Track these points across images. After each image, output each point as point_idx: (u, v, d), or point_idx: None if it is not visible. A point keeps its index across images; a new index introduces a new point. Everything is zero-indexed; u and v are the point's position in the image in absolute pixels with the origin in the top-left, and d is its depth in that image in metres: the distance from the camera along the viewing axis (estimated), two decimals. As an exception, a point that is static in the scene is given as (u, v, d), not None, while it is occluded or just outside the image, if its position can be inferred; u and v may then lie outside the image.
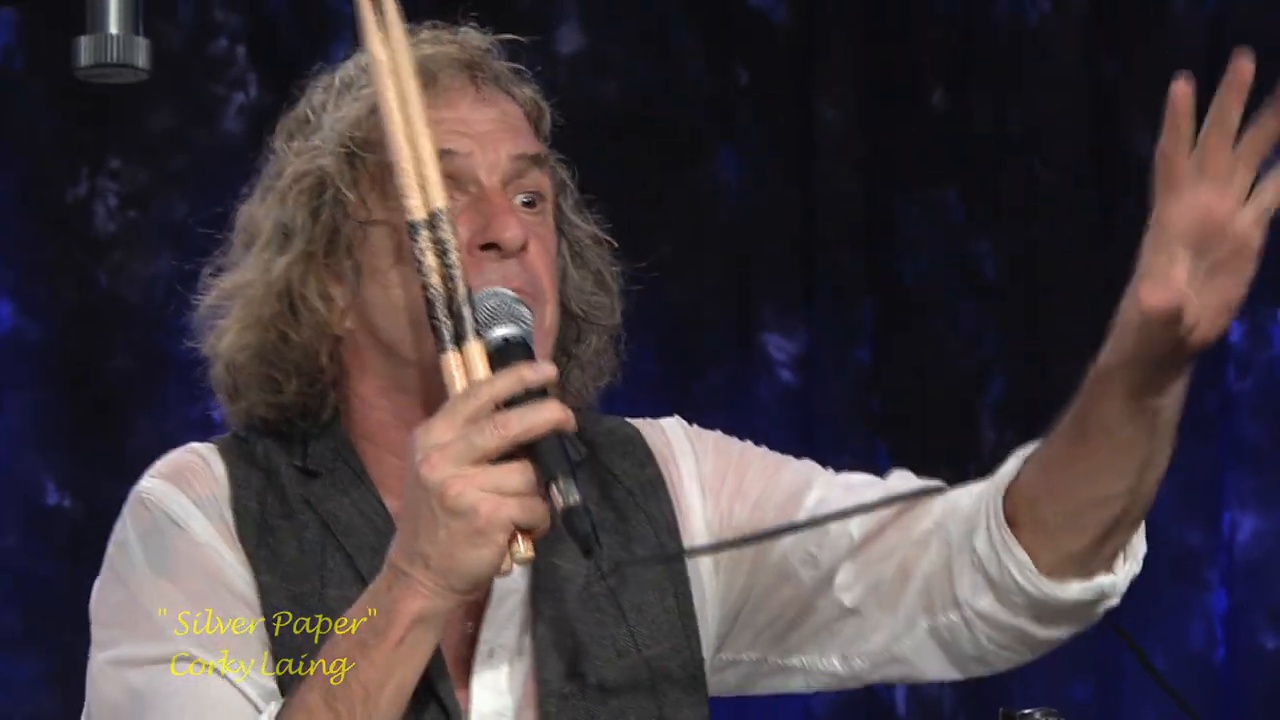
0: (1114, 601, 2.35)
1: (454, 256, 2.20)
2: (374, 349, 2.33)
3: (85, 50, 1.95)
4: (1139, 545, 2.34)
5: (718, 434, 2.49)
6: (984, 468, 4.66)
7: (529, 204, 2.33)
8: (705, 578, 2.42)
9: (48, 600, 4.21)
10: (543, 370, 2.16)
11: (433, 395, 2.27)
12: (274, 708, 2.21)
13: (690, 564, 2.40)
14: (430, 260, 2.21)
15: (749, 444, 2.50)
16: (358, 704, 2.17)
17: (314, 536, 2.31)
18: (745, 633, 2.44)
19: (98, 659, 2.31)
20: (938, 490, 2.34)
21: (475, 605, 2.32)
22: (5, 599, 4.18)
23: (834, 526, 2.36)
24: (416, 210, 2.22)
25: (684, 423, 2.50)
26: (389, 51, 2.28)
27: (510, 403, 2.13)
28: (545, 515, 2.13)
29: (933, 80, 4.51)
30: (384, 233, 2.31)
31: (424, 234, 2.21)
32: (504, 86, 2.36)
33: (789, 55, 4.50)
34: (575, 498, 2.12)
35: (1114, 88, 4.43)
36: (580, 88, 4.26)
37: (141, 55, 1.96)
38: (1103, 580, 2.31)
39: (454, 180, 2.29)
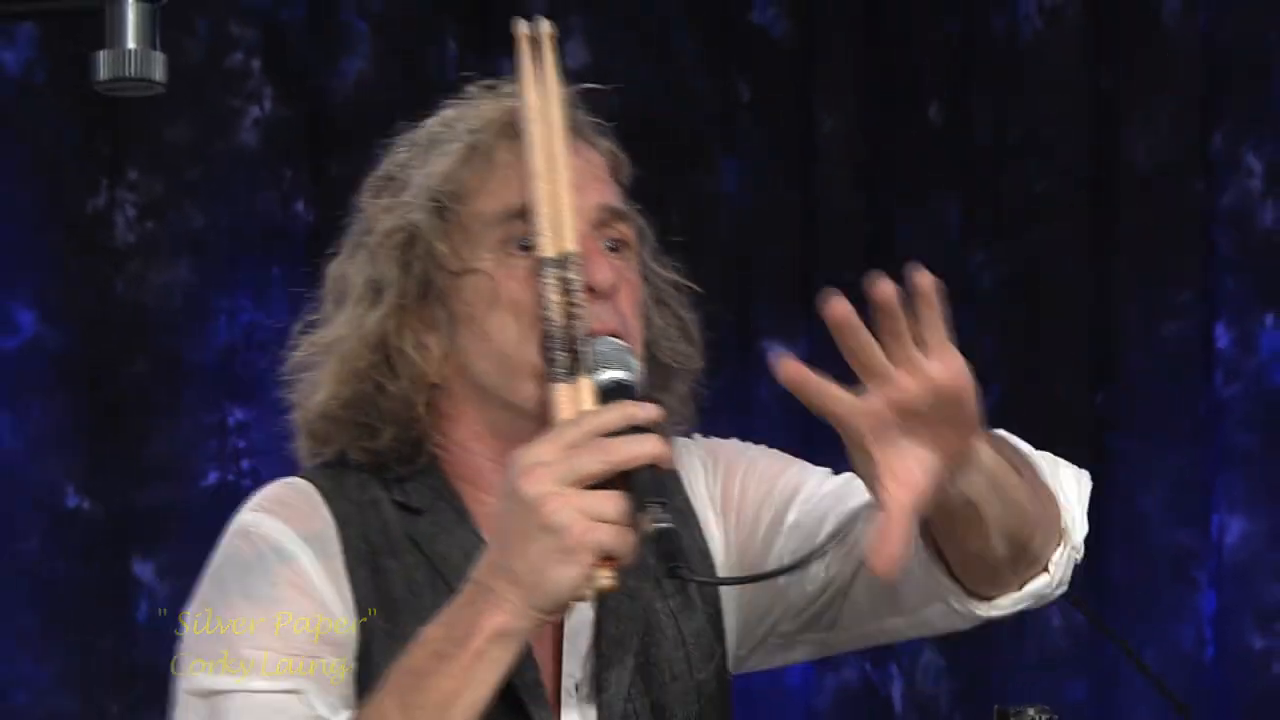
0: (1061, 589, 2.34)
1: (579, 297, 2.22)
2: (470, 395, 2.32)
3: (104, 64, 1.95)
4: (1073, 533, 2.33)
5: (731, 447, 2.49)
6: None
7: (614, 249, 2.33)
8: (725, 596, 2.42)
9: (66, 601, 4.21)
10: (648, 410, 2.17)
11: (529, 438, 2.25)
12: (348, 714, 2.21)
13: (719, 589, 2.41)
14: (555, 297, 2.22)
15: (758, 453, 2.49)
16: (432, 712, 2.15)
17: (423, 578, 2.29)
18: (754, 634, 2.44)
19: (181, 688, 2.29)
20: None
21: (554, 636, 2.32)
22: (24, 600, 4.18)
23: (812, 536, 2.36)
24: (548, 249, 2.24)
25: (701, 441, 2.49)
26: (542, 98, 2.31)
27: (613, 435, 2.15)
28: (632, 545, 2.13)
29: (931, 91, 4.51)
30: (478, 280, 2.30)
31: (552, 272, 2.23)
32: (587, 137, 2.37)
33: (790, 65, 4.50)
34: (665, 522, 2.13)
35: (1110, 98, 4.43)
36: (586, 100, 4.25)
37: (159, 69, 1.96)
38: (1037, 584, 2.31)
39: None
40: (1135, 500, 4.33)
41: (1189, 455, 4.32)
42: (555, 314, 2.22)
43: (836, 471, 2.40)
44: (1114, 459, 4.37)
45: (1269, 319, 4.30)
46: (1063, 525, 2.34)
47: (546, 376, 2.22)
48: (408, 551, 2.30)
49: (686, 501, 2.41)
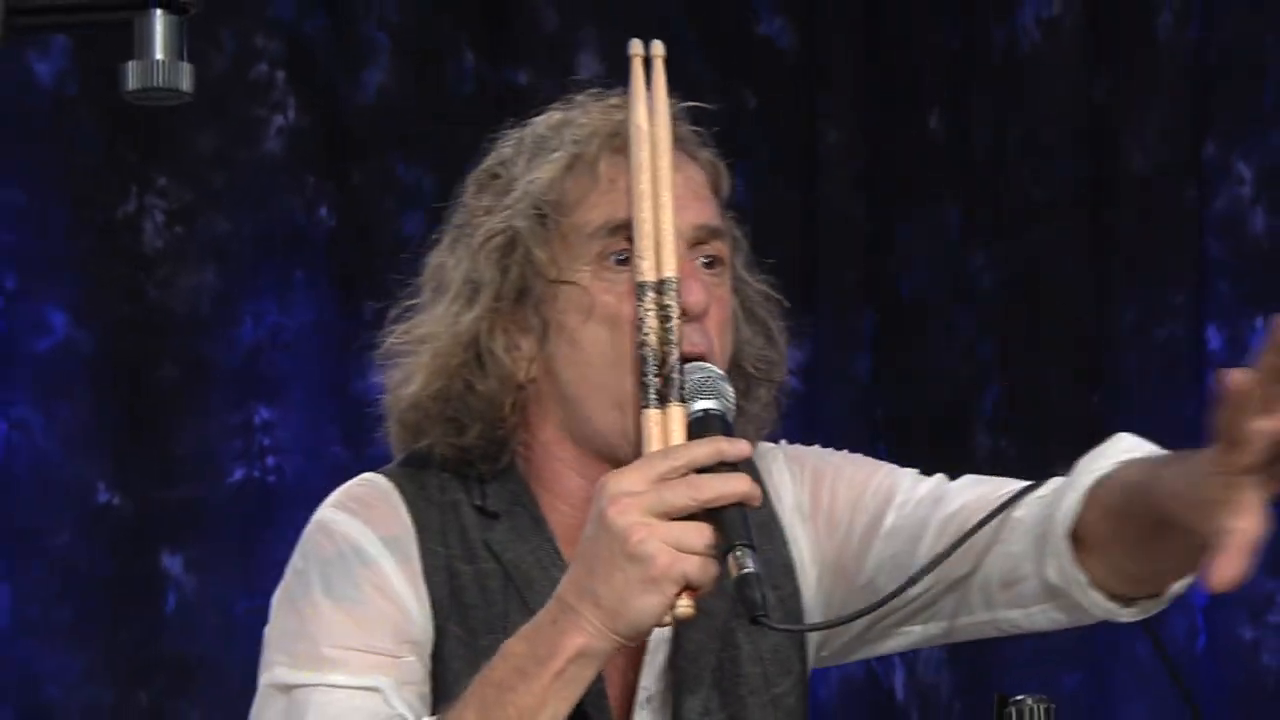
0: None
1: (674, 323, 2.19)
2: (557, 399, 2.30)
3: (132, 75, 1.95)
4: None
5: (816, 454, 2.47)
6: (978, 472, 4.67)
7: (709, 265, 2.30)
8: (811, 607, 2.40)
9: (98, 595, 4.21)
10: (739, 446, 2.14)
11: (610, 448, 2.27)
12: (426, 716, 2.20)
13: (802, 598, 2.39)
14: (652, 322, 2.19)
15: (842, 459, 2.48)
16: None
17: (497, 586, 2.28)
18: (834, 640, 2.43)
19: (263, 680, 2.28)
20: (1001, 509, 2.30)
21: (635, 652, 2.30)
22: (58, 594, 4.18)
23: (914, 540, 2.35)
24: (648, 273, 2.21)
25: (785, 449, 2.46)
26: (651, 122, 2.26)
27: (702, 470, 2.12)
28: (715, 577, 2.11)
29: (932, 99, 4.51)
30: (574, 291, 2.28)
31: (650, 296, 2.20)
32: (690, 152, 2.33)
33: (794, 79, 4.50)
34: (750, 566, 2.11)
35: (1105, 108, 4.43)
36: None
37: (186, 79, 1.95)
38: (1176, 587, 2.28)
39: None
40: (1129, 496, 4.32)
41: (1182, 450, 4.32)
42: (651, 338, 2.19)
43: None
44: (1109, 456, 4.37)
45: (1259, 321, 4.30)
46: None
47: (639, 401, 2.19)
48: (483, 558, 2.28)
49: (771, 513, 2.39)
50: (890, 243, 4.52)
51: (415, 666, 2.24)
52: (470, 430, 2.30)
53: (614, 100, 2.34)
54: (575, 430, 2.29)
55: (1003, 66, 4.47)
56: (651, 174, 2.23)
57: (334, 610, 2.25)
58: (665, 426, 2.17)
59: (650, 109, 2.26)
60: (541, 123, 2.36)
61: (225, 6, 4.13)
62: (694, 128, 2.35)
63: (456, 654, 2.26)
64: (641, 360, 2.19)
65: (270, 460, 4.28)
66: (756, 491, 2.12)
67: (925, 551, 2.33)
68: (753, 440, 2.32)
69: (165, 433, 4.24)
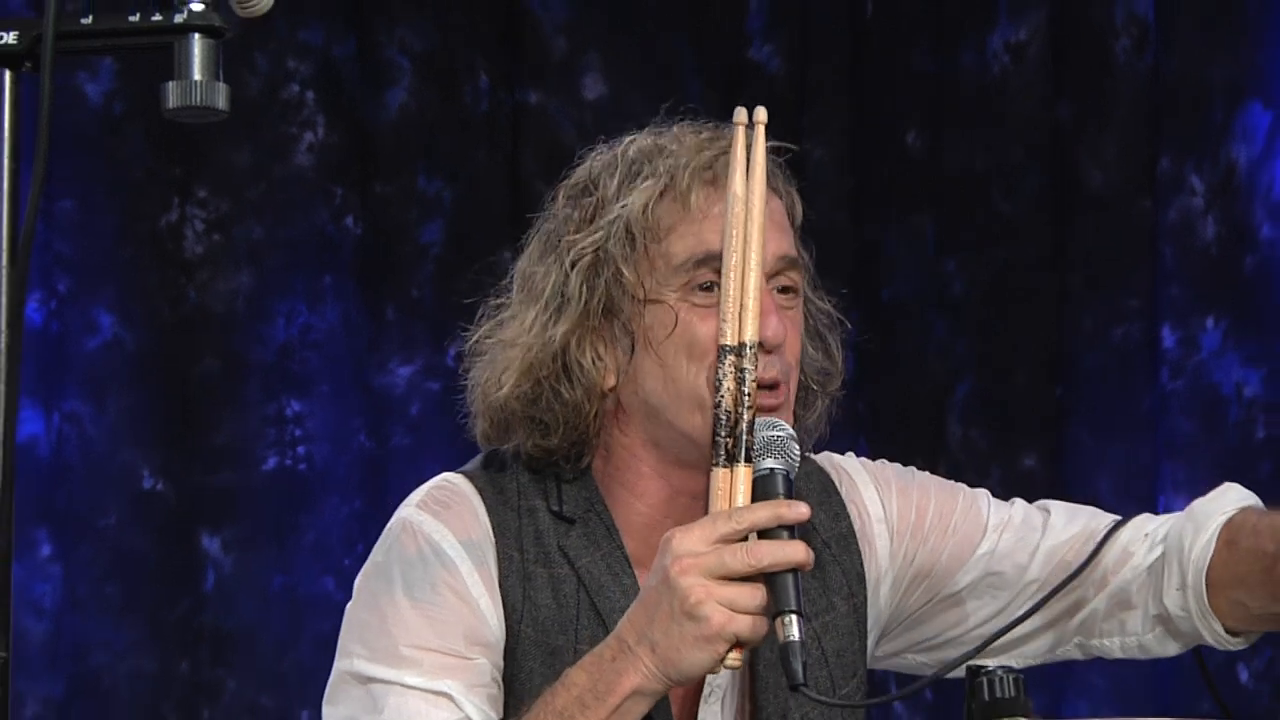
0: None
1: (749, 387, 2.16)
2: (639, 408, 2.28)
3: (172, 94, 1.95)
4: None
5: (896, 471, 2.46)
6: (951, 461, 4.67)
7: (784, 291, 2.29)
8: (881, 608, 2.40)
9: (143, 572, 4.21)
10: (798, 510, 2.13)
11: (687, 457, 2.25)
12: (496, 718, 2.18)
13: (869, 607, 2.38)
14: (730, 384, 2.17)
15: (923, 478, 2.47)
16: None
17: (570, 591, 2.27)
18: (893, 640, 2.44)
19: (340, 665, 2.27)
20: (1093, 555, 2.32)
21: None
22: (107, 571, 4.17)
23: (1019, 567, 2.36)
24: (729, 337, 2.19)
25: (867, 464, 2.46)
26: (747, 189, 2.23)
27: (762, 533, 2.11)
28: (764, 635, 2.11)
29: (908, 123, 4.51)
30: (659, 310, 2.26)
31: (730, 359, 2.18)
32: (773, 185, 2.30)
33: (784, 102, 4.50)
34: (795, 635, 2.10)
35: (1066, 129, 4.42)
36: (603, 127, 4.25)
37: (222, 98, 1.95)
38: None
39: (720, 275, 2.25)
40: (1090, 483, 4.32)
41: (1138, 443, 4.31)
42: (727, 400, 2.17)
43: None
44: (1071, 446, 4.36)
45: (1209, 322, 4.29)
46: None
47: (709, 459, 2.17)
48: (558, 563, 2.27)
49: (850, 527, 2.38)
50: (872, 252, 4.51)
51: (485, 668, 2.23)
52: (555, 432, 2.28)
53: (706, 133, 2.32)
54: (657, 435, 2.28)
55: (974, 90, 4.46)
56: (743, 241, 2.21)
57: (412, 610, 2.24)
58: (731, 486, 2.15)
59: (748, 176, 2.23)
60: (634, 146, 2.33)
61: (259, 32, 4.11)
62: (775, 158, 2.32)
63: (530, 654, 2.25)
64: (715, 420, 2.17)
65: (301, 449, 4.28)
66: (810, 559, 2.11)
67: (1034, 577, 2.36)
68: (805, 444, 2.31)
69: (204, 424, 4.23)
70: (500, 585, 2.25)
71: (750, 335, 2.17)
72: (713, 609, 2.07)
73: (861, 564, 2.38)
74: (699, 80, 4.46)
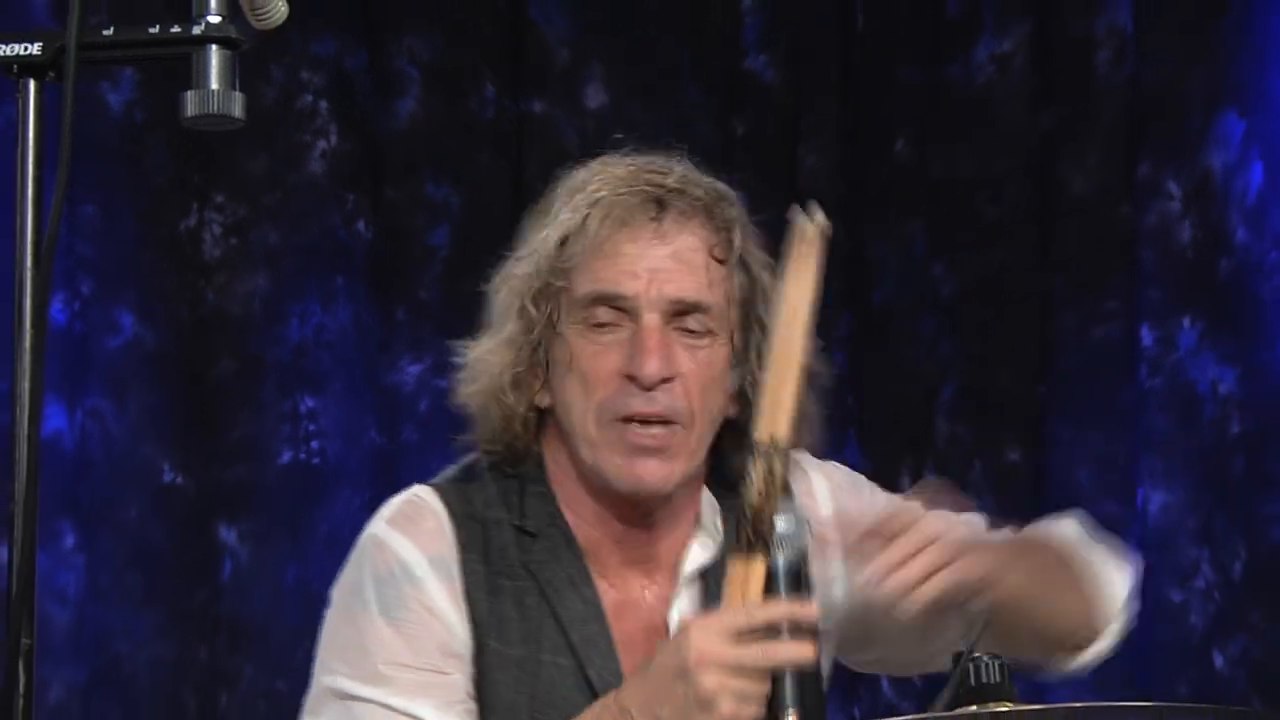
0: (1110, 650, 2.39)
1: (777, 484, 2.14)
2: (564, 431, 2.29)
3: (190, 103, 1.95)
4: (1121, 614, 2.39)
5: (846, 474, 2.47)
6: (938, 455, 4.67)
7: (689, 333, 2.26)
8: (832, 626, 2.40)
9: (163, 563, 4.21)
10: (809, 611, 2.13)
11: (588, 469, 2.26)
12: None
13: (834, 600, 2.39)
14: (759, 482, 2.14)
15: (871, 486, 2.48)
16: None
17: (533, 603, 2.27)
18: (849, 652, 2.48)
19: (321, 681, 2.27)
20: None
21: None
22: (129, 562, 4.17)
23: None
24: (763, 433, 2.15)
25: (831, 478, 2.45)
26: (799, 291, 2.21)
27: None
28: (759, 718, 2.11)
29: (897, 132, 4.51)
30: (562, 344, 2.26)
31: (761, 456, 2.14)
32: (687, 220, 2.27)
33: (778, 112, 4.50)
34: None
35: (1049, 138, 4.42)
36: (604, 135, 4.25)
37: (238, 107, 1.95)
38: (1096, 648, 2.38)
39: (624, 314, 2.24)
40: (1071, 476, 4.32)
41: (1117, 438, 4.31)
42: (753, 495, 2.14)
43: None
44: (1053, 441, 4.36)
45: (1185, 322, 4.29)
46: (1109, 619, 2.39)
47: (732, 549, 2.17)
48: (521, 575, 2.27)
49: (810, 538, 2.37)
50: (863, 256, 4.51)
51: (460, 682, 2.23)
52: (498, 441, 2.30)
53: (632, 169, 2.29)
54: (577, 461, 2.29)
55: (960, 100, 4.46)
56: (785, 344, 2.18)
57: (387, 628, 2.24)
58: (748, 577, 2.14)
59: (800, 281, 2.21)
60: (579, 175, 2.33)
61: (274, 43, 4.11)
62: (712, 190, 2.31)
63: (494, 665, 2.25)
64: (741, 511, 2.15)
65: (314, 444, 4.28)
66: (815, 655, 2.12)
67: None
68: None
69: (221, 420, 4.23)
70: (466, 598, 2.25)
71: (782, 433, 2.14)
72: (724, 701, 2.08)
73: (819, 572, 2.37)
74: (696, 89, 4.45)
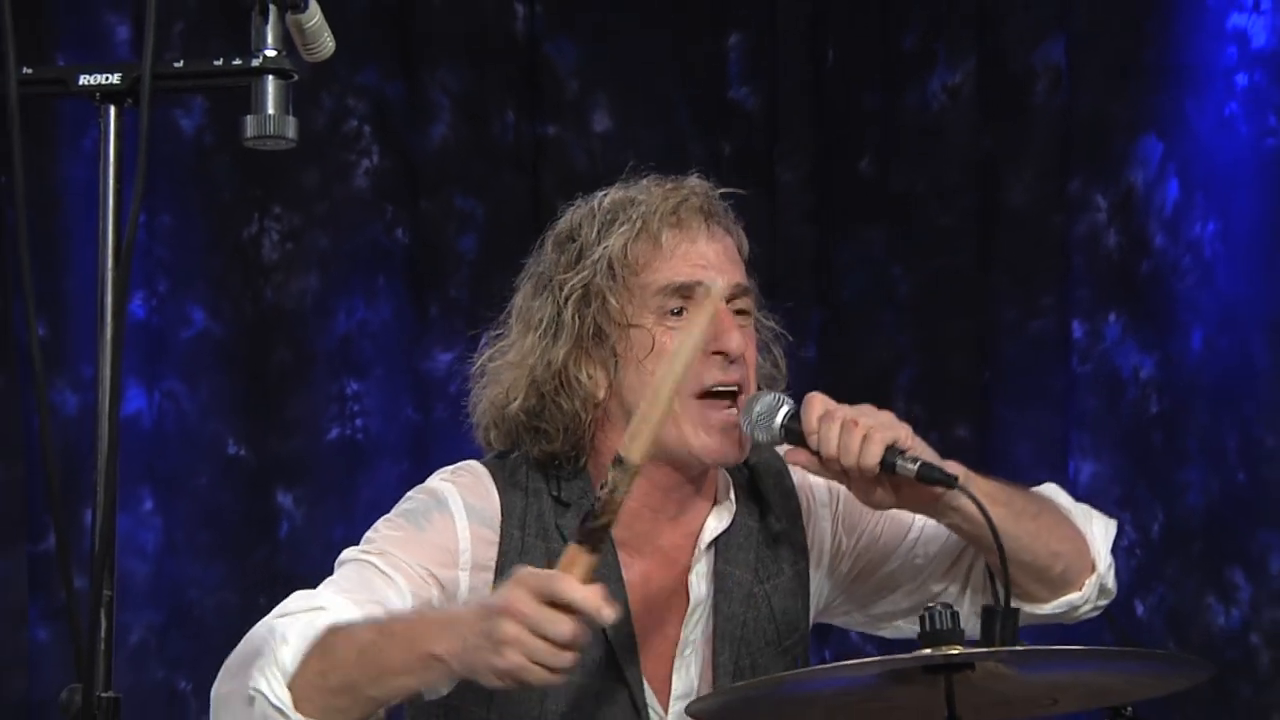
0: (1090, 607, 2.34)
1: (618, 496, 2.02)
2: (625, 416, 2.25)
3: (250, 126, 1.93)
4: (1099, 565, 2.34)
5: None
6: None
7: (739, 313, 2.28)
8: (821, 584, 2.38)
9: (229, 522, 4.20)
10: (606, 616, 2.01)
11: (662, 456, 2.22)
12: (352, 615, 2.13)
13: (812, 574, 2.36)
14: (605, 491, 2.03)
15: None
16: (375, 669, 2.06)
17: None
18: (838, 613, 2.43)
19: (352, 548, 2.26)
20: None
21: (679, 610, 2.27)
22: (200, 521, 4.16)
23: (920, 555, 2.35)
24: (625, 451, 2.03)
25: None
26: (686, 340, 2.12)
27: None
28: (544, 683, 2.01)
29: (862, 151, 4.50)
30: (639, 333, 2.25)
31: (614, 470, 2.04)
32: (725, 226, 2.31)
33: (759, 135, 4.49)
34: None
35: (992, 157, 4.41)
36: (608, 154, 4.26)
37: (291, 129, 1.94)
38: (1067, 597, 2.32)
39: (695, 300, 2.23)
40: (1012, 451, 4.31)
41: (1052, 417, 4.30)
42: (602, 498, 2.02)
43: None
44: (996, 421, 4.35)
45: (1111, 316, 4.28)
46: (1092, 559, 2.33)
47: (571, 535, 2.08)
48: (554, 538, 2.25)
49: (797, 507, 2.36)
50: (831, 259, 4.50)
51: (427, 590, 2.21)
52: (556, 439, 2.27)
53: (669, 184, 2.31)
54: None
55: (916, 124, 4.45)
56: (665, 380, 2.08)
57: (403, 525, 2.25)
58: (574, 563, 2.02)
59: (689, 333, 2.14)
60: (608, 199, 2.32)
61: (323, 75, 4.12)
62: (728, 198, 2.33)
63: None
64: (587, 512, 2.05)
65: (359, 421, 4.27)
66: (611, 618, 2.02)
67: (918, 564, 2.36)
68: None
69: (279, 400, 4.22)
70: (499, 552, 2.24)
71: (636, 456, 2.02)
72: (512, 653, 1.98)
73: (805, 538, 2.37)
74: (688, 115, 4.45)
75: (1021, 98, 4.35)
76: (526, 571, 2.03)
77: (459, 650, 2.03)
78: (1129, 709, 2.98)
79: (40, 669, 3.97)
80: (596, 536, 2.03)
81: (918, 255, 4.45)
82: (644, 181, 2.34)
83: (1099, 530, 2.37)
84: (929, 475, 2.15)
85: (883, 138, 4.47)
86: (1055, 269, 4.33)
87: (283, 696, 2.07)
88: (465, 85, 4.37)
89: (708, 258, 2.27)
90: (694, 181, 2.33)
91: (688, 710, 2.21)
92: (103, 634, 1.80)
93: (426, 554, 2.23)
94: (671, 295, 2.25)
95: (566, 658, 1.98)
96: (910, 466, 2.15)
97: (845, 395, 4.38)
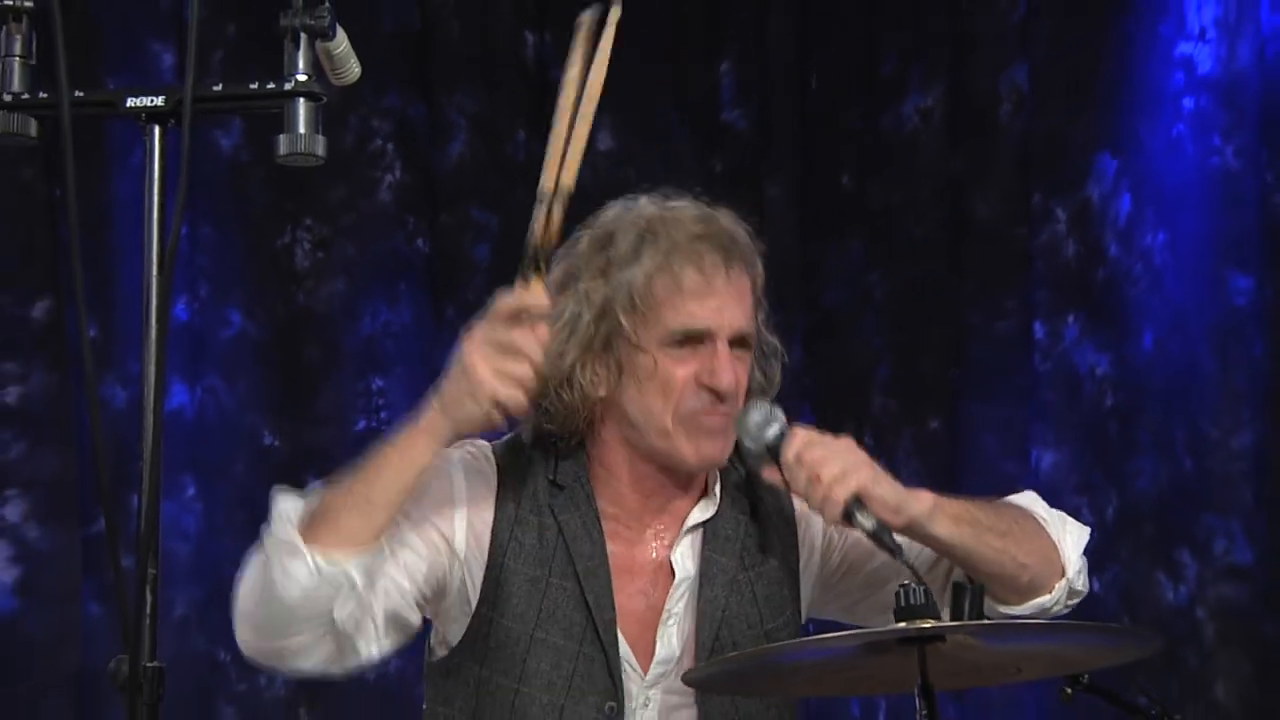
0: (1060, 608, 2.31)
1: (555, 227, 2.09)
2: (620, 417, 2.26)
3: (283, 144, 1.93)
4: (1069, 570, 2.30)
5: None
6: (875, 424, 4.63)
7: (740, 346, 2.26)
8: (811, 581, 2.36)
9: (264, 506, 4.17)
10: (540, 299, 2.09)
11: (651, 455, 2.24)
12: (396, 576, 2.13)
13: (802, 572, 2.34)
14: (539, 222, 2.10)
15: None
16: (370, 470, 2.12)
17: (551, 537, 2.23)
18: (828, 609, 2.41)
19: None
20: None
21: (664, 584, 2.26)
22: (238, 506, 4.15)
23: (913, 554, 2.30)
24: (547, 183, 2.11)
25: None
26: (583, 74, 2.16)
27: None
28: (518, 401, 2.08)
29: (843, 168, 4.50)
30: (645, 357, 2.23)
31: (544, 204, 2.11)
32: (745, 264, 2.27)
33: (748, 153, 4.49)
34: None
35: (961, 174, 4.41)
36: (610, 172, 4.26)
37: (320, 148, 1.94)
38: (1038, 600, 2.29)
39: (700, 341, 2.23)
40: (979, 442, 4.31)
41: (1016, 411, 4.30)
42: (536, 231, 2.10)
43: None
44: (964, 415, 4.35)
45: (1070, 319, 4.27)
46: (1062, 565, 2.31)
47: (517, 279, 2.13)
48: (546, 515, 2.24)
49: (791, 506, 2.34)
50: (815, 267, 4.50)
51: (415, 543, 2.19)
52: (555, 421, 2.27)
53: (700, 212, 2.28)
54: (631, 438, 2.26)
55: (892, 144, 4.45)
56: (570, 109, 2.14)
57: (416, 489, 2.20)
58: (526, 290, 2.11)
59: (581, 59, 2.15)
60: (646, 213, 2.28)
61: (350, 97, 4.11)
62: (748, 231, 2.29)
63: (510, 580, 2.22)
64: (526, 246, 2.12)
65: (383, 415, 4.26)
66: (544, 306, 2.10)
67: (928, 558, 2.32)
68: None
69: (309, 396, 4.22)
70: (494, 523, 2.23)
71: (567, 181, 2.10)
72: (484, 371, 2.06)
73: (796, 535, 2.35)
74: (684, 134, 4.45)
75: (987, 119, 4.35)
76: (473, 326, 2.08)
77: (440, 414, 2.09)
78: (1086, 677, 2.99)
79: (92, 641, 3.97)
80: (537, 263, 2.09)
81: (893, 264, 4.45)
82: (680, 203, 2.30)
83: (1071, 538, 2.35)
84: (878, 539, 2.13)
85: (861, 156, 4.47)
86: (1019, 276, 4.32)
87: (295, 538, 2.11)
88: (480, 107, 4.37)
89: (719, 305, 2.24)
90: (723, 215, 2.29)
91: (684, 679, 2.20)
92: (148, 609, 1.80)
93: (421, 518, 2.21)
94: (679, 337, 2.25)
95: (533, 354, 2.05)
96: (865, 524, 2.13)
97: (828, 390, 4.42)
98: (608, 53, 2.15)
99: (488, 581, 2.22)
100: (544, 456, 2.28)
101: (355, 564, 2.11)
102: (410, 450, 2.12)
